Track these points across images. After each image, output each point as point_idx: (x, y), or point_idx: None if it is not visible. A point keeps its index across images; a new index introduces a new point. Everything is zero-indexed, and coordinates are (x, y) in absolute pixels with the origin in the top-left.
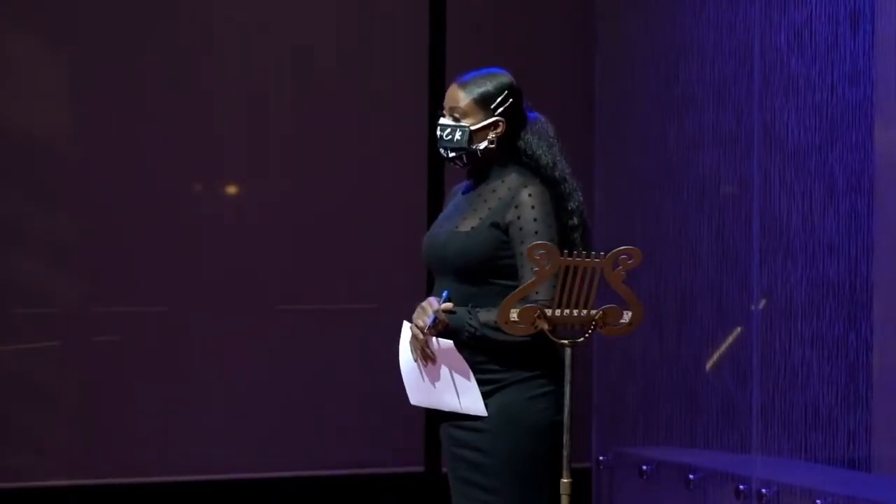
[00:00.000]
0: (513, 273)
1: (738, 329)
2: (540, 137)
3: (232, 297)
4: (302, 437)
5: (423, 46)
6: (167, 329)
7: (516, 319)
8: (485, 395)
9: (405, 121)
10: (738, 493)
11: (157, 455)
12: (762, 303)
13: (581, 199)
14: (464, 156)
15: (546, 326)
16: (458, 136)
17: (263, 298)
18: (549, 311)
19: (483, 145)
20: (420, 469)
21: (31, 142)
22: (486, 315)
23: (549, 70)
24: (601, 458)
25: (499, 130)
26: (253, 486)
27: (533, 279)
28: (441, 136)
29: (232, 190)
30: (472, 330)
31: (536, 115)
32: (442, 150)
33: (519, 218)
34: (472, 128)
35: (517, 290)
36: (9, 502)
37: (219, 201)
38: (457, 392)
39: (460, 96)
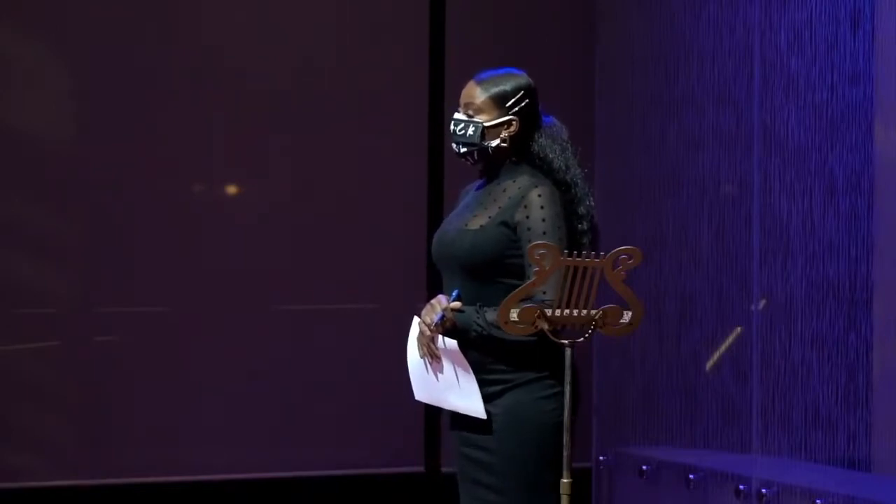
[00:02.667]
0: (520, 272)
1: (738, 329)
2: (553, 140)
3: (232, 298)
4: (301, 438)
5: (424, 47)
6: (167, 329)
7: (516, 319)
8: (493, 396)
9: (405, 121)
10: (738, 493)
11: (157, 455)
12: (762, 303)
13: (592, 203)
14: (475, 152)
15: (546, 326)
16: (470, 131)
17: (263, 298)
18: (549, 311)
19: (495, 143)
20: (420, 469)
21: (32, 143)
22: (494, 315)
23: (549, 70)
24: (601, 458)
25: (512, 129)
26: (253, 486)
27: (533, 279)
28: (454, 131)
29: (232, 190)
30: (480, 329)
31: (552, 118)
32: (454, 146)
33: (528, 217)
34: (486, 124)
35: (517, 290)
36: (9, 502)
37: (219, 202)
38: (458, 392)
39: (476, 93)
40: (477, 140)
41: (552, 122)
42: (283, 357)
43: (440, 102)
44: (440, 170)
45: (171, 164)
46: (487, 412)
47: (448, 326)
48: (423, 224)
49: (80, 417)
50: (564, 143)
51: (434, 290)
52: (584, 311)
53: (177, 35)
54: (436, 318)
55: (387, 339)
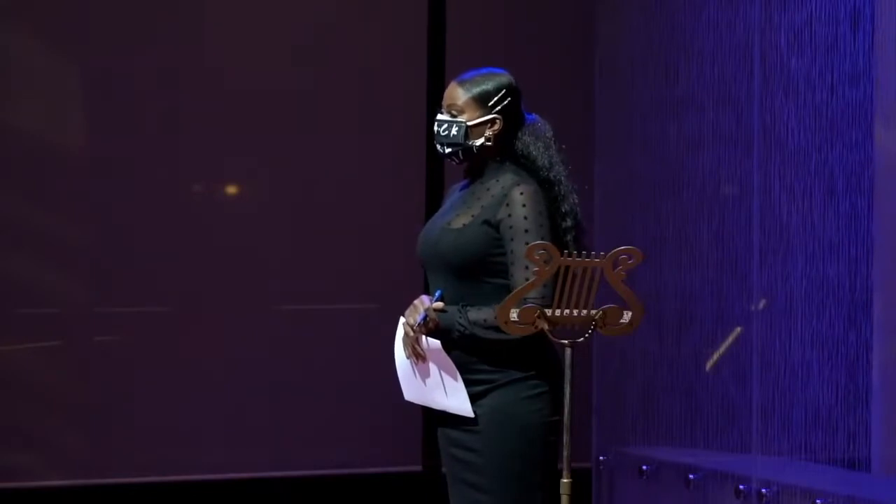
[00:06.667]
0: (504, 271)
1: (738, 329)
2: (537, 138)
3: (233, 298)
4: (301, 437)
5: (423, 46)
6: (168, 329)
7: (516, 319)
8: (477, 396)
9: (405, 121)
10: (738, 493)
11: (158, 455)
12: (762, 303)
13: (576, 201)
14: (459, 152)
15: (546, 326)
16: (454, 131)
17: (264, 299)
18: (549, 311)
19: (479, 142)
20: (418, 469)
21: (32, 142)
22: (477, 314)
23: (549, 70)
24: (601, 458)
25: (496, 128)
26: (253, 486)
27: (533, 279)
28: (437, 132)
29: (232, 191)
30: (462, 328)
31: (535, 116)
32: (438, 146)
33: (510, 216)
34: (469, 124)
35: (517, 290)
36: (9, 502)
37: (220, 202)
38: (445, 392)
39: (459, 93)
40: (461, 140)
41: (535, 120)
42: (282, 357)
43: (440, 102)
44: (440, 170)
45: (172, 163)
46: (473, 412)
47: (431, 327)
48: (422, 224)
49: (81, 417)
50: (548, 141)
51: (428, 287)
52: (584, 311)
53: (178, 35)
54: (419, 318)
55: (387, 339)
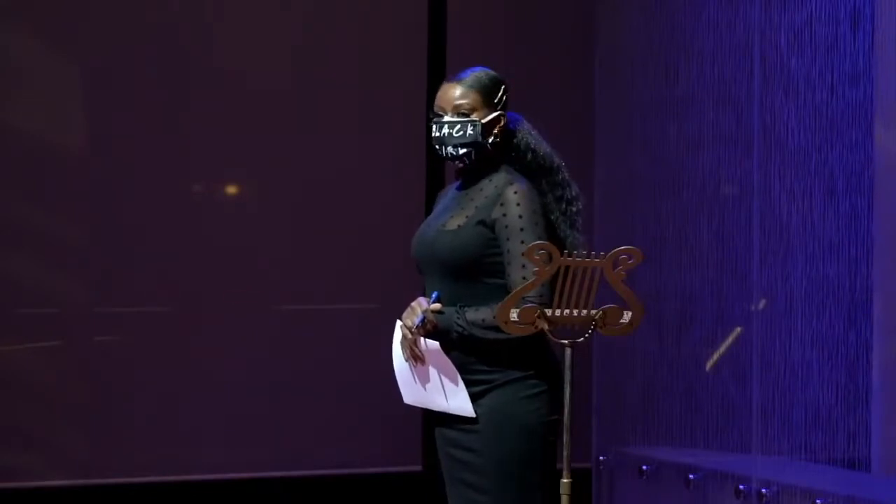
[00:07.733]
0: (501, 271)
1: (738, 329)
2: (529, 131)
3: (233, 298)
4: (301, 437)
5: (423, 46)
6: (169, 329)
7: (516, 319)
8: (476, 396)
9: (405, 121)
10: (738, 493)
11: (158, 455)
12: (762, 303)
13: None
14: (473, 152)
15: (546, 326)
16: (470, 130)
17: (264, 299)
18: (548, 311)
19: (491, 139)
20: (418, 469)
21: (32, 143)
22: (474, 314)
23: (549, 70)
24: (601, 458)
25: (501, 124)
26: (253, 486)
27: (533, 279)
28: (450, 134)
29: (232, 191)
30: (461, 329)
31: (515, 114)
32: (450, 149)
33: (505, 216)
34: (483, 121)
35: (516, 290)
36: (9, 502)
37: (220, 202)
38: (445, 393)
39: (460, 93)
40: (479, 138)
41: (519, 117)
42: (283, 357)
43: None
44: (440, 170)
45: (172, 163)
46: (474, 412)
47: (429, 328)
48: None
49: (81, 417)
50: (536, 133)
51: (424, 289)
52: (584, 311)
53: (178, 35)
54: (416, 320)
55: (387, 339)
